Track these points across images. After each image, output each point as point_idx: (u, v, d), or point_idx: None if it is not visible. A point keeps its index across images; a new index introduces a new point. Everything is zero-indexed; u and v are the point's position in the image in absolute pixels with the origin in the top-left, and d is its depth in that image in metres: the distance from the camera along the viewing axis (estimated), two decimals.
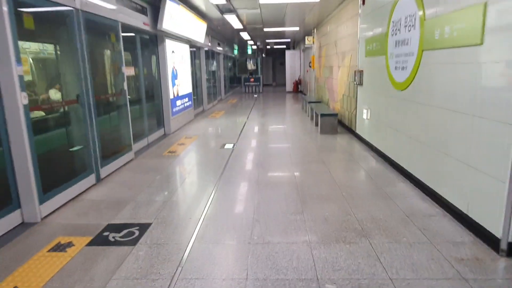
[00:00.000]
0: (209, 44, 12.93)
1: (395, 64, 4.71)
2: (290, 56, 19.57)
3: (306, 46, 15.57)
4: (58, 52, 4.25)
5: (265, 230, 3.13)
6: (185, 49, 9.30)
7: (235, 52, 23.19)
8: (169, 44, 7.76)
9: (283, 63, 28.18)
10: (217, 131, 8.19)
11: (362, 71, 6.38)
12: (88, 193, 4.18)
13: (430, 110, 3.74)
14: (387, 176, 4.56)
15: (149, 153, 6.09)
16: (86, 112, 4.29)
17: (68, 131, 4.27)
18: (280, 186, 4.24)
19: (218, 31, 14.25)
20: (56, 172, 3.95)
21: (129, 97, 6.54)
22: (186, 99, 9.33)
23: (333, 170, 4.83)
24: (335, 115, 7.50)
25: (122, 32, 5.41)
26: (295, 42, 20.81)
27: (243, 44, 23.58)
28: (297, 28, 13.14)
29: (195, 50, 11.38)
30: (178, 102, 8.54)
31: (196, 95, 11.26)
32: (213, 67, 14.84)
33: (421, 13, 3.90)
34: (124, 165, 5.33)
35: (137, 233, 3.13)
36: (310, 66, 14.00)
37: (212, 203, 3.78)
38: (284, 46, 24.13)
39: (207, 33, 12.49)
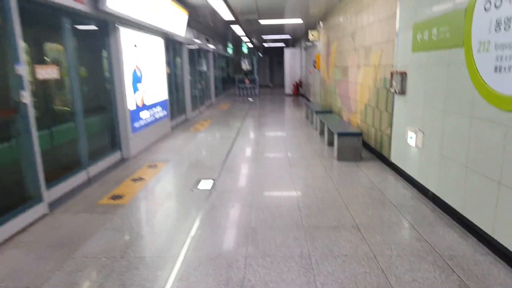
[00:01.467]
0: (195, 39, 10.78)
1: (498, 62, 2.57)
2: (290, 55, 17.44)
3: (308, 43, 13.45)
4: None
5: None
6: (157, 43, 7.14)
7: (229, 50, 21.05)
8: (127, 34, 5.60)
9: (281, 63, 26.19)
10: (195, 154, 6.04)
11: (405, 73, 4.26)
12: None
13: None
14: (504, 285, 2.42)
15: (80, 200, 3.92)
16: None
17: None
18: None
19: (207, 25, 12.11)
20: None
21: (67, 108, 4.46)
22: (158, 109, 7.17)
23: (380, 254, 2.69)
24: (359, 135, 5.35)
25: (30, 10, 3.25)
26: (295, 40, 18.70)
27: (237, 42, 21.46)
28: (299, 21, 11.01)
29: (175, 46, 9.22)
30: (144, 114, 6.37)
31: (175, 102, 9.11)
32: (202, 67, 12.70)
33: None
34: (24, 229, 3.17)
35: None
36: (314, 66, 11.89)
37: None
38: (283, 44, 22.03)
39: (192, 27, 10.36)
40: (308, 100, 14.29)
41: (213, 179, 4.56)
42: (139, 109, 6.11)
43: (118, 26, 5.30)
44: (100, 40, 5.23)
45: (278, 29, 13.89)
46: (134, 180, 4.62)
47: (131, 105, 5.75)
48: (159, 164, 5.35)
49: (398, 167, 4.60)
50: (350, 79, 7.12)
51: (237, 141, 6.92)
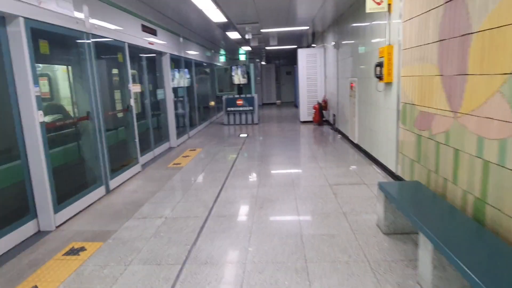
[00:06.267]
0: (108, 27, 4.29)
1: None
2: (307, 58, 10.87)
3: (339, 41, 6.93)
4: None
5: None
6: None
7: (222, 58, 14.69)
8: None
9: (290, 73, 19.69)
10: None
11: None
12: None
13: None
14: None
15: None
16: None
17: None
18: None
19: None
20: None
21: None
22: None
23: None
24: None
25: None
26: (315, 35, 12.22)
27: (232, 47, 15.09)
28: None
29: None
30: None
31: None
32: (143, 83, 6.24)
33: None
34: None
35: None
36: (378, 77, 5.24)
37: None
38: (295, 46, 15.56)
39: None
40: (342, 134, 7.66)
41: None
42: None
43: None
44: None
45: (289, 6, 7.41)
46: None
47: None
48: None
49: None
50: None
51: None
